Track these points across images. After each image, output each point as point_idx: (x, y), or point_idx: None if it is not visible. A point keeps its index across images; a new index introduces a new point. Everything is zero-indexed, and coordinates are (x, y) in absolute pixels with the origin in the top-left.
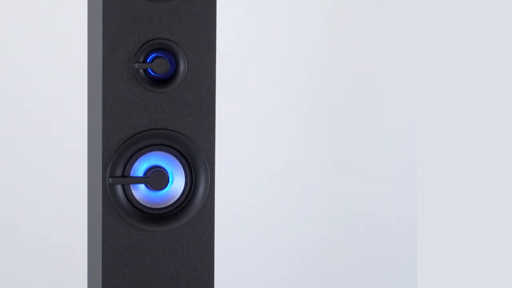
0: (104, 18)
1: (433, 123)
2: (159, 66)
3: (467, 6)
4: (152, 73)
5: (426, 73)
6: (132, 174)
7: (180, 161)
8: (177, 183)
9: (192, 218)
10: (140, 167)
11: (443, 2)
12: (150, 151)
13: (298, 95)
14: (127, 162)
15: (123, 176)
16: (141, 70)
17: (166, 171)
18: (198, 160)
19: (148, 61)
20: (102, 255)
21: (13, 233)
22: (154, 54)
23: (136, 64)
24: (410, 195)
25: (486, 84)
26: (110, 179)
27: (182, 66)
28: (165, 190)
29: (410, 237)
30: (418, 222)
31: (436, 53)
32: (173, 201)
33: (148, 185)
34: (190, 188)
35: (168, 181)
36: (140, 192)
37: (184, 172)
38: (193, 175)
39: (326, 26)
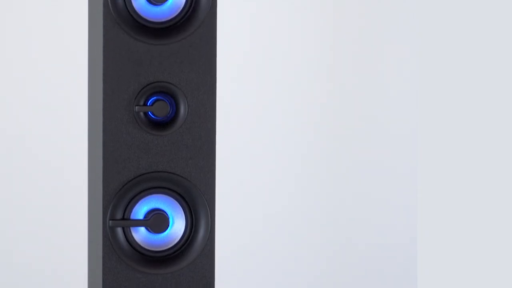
0: (105, 61)
1: (434, 122)
2: (159, 109)
3: (467, 6)
4: (153, 116)
5: (427, 73)
6: (132, 217)
7: (180, 204)
8: (177, 226)
9: (192, 260)
10: (140, 210)
11: (444, 2)
12: (151, 194)
13: (298, 128)
14: (127, 205)
15: (123, 219)
16: (142, 113)
17: (167, 214)
18: (199, 203)
19: (148, 104)
20: None
21: (12, 276)
22: (155, 97)
23: (136, 107)
24: (411, 195)
25: (486, 84)
26: (110, 221)
27: (182, 109)
28: (165, 233)
29: (410, 237)
30: (418, 222)
31: (438, 53)
32: (173, 243)
33: (149, 228)
34: (191, 231)
35: (169, 224)
36: (140, 234)
37: (185, 215)
38: (194, 218)
39: (325, 30)
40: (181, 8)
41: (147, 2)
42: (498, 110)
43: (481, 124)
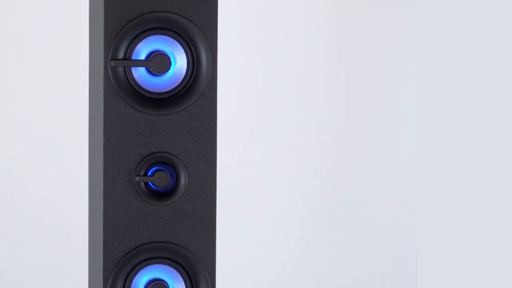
0: (105, 131)
1: (435, 123)
2: (160, 179)
3: (467, 7)
4: (153, 186)
5: (429, 74)
6: (133, 287)
7: (181, 274)
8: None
9: None
10: (140, 281)
11: (445, 2)
12: (151, 264)
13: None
14: (128, 275)
15: None
16: (142, 183)
17: (167, 283)
18: (199, 274)
19: (149, 174)
20: None
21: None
22: (155, 168)
23: (137, 177)
24: (411, 195)
25: (486, 86)
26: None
27: (182, 180)
28: None
29: (411, 237)
30: (418, 222)
31: (438, 53)
32: None
33: None
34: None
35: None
36: None
37: (185, 285)
38: None
39: (327, 38)
40: (181, 79)
41: (147, 72)
42: (498, 112)
43: (482, 126)
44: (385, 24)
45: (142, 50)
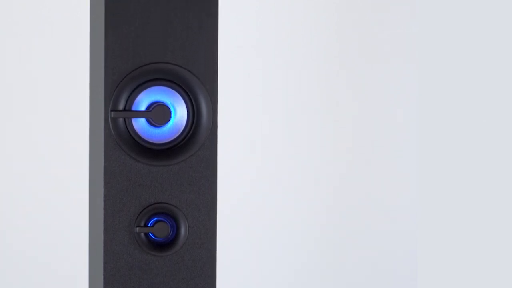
0: (105, 182)
1: (435, 122)
2: (160, 230)
3: (467, 7)
4: (153, 237)
5: (428, 73)
6: None
7: None
8: None
9: None
10: None
11: (445, 2)
12: None
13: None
14: None
15: None
16: (142, 234)
17: None
18: None
19: (149, 225)
20: None
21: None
22: (155, 218)
23: (137, 228)
24: (411, 195)
25: (485, 86)
26: None
27: (183, 230)
28: None
29: (411, 238)
30: (419, 221)
31: (439, 53)
32: None
33: None
34: None
35: None
36: None
37: None
38: None
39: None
40: (181, 130)
41: (147, 123)
42: (497, 112)
43: (481, 127)
44: (385, 24)
45: (143, 101)
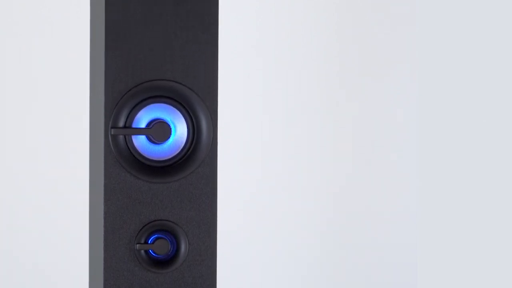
0: (106, 200)
1: (434, 122)
2: (160, 247)
3: (467, 7)
4: (154, 254)
5: (428, 73)
6: None
7: None
8: None
9: None
10: None
11: (445, 2)
12: None
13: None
14: None
15: None
16: (142, 251)
17: None
18: None
19: (149, 242)
20: None
21: None
22: (155, 235)
23: (137, 245)
24: (411, 195)
25: (485, 86)
26: None
27: (183, 247)
28: None
29: (411, 239)
30: (418, 221)
31: (439, 53)
32: None
33: None
34: None
35: None
36: None
37: None
38: None
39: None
40: (182, 147)
41: (147, 140)
42: (496, 113)
43: (482, 128)
44: (385, 24)
45: (143, 118)
